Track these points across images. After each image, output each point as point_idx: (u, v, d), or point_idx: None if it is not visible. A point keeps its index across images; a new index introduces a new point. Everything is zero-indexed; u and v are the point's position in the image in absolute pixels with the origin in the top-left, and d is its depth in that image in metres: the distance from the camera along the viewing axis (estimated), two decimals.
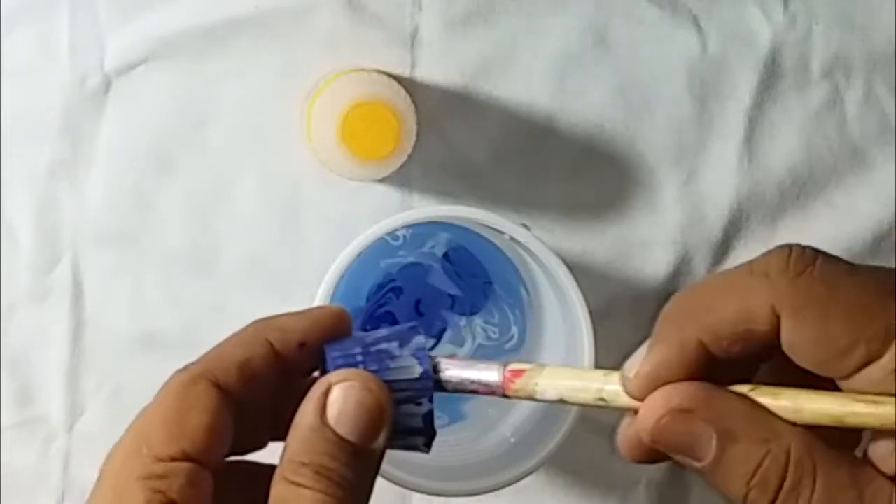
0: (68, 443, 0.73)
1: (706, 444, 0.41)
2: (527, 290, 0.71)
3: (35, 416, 0.73)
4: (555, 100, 0.73)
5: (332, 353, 0.46)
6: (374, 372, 0.45)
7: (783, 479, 0.40)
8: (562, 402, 0.45)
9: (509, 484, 0.64)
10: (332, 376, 0.44)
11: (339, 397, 0.43)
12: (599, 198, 0.74)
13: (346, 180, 0.69)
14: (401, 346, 0.46)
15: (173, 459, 0.42)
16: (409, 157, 0.66)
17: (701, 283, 0.44)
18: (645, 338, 0.43)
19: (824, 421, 0.41)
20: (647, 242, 0.74)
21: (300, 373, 0.46)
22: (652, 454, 0.43)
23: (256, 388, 0.44)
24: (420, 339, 0.46)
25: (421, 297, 0.71)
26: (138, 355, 0.73)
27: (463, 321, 0.71)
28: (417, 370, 0.45)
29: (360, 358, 0.45)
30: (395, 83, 0.68)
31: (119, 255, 0.73)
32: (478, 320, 0.71)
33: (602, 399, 0.44)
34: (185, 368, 0.44)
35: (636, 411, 0.43)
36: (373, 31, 0.71)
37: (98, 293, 0.73)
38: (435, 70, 0.72)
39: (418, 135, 0.67)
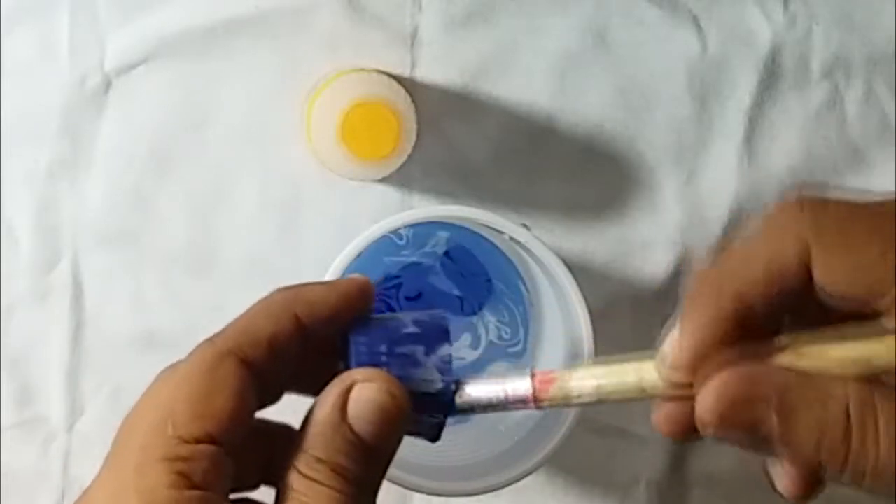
0: (68, 443, 0.74)
1: (770, 424, 0.41)
2: (527, 289, 0.71)
3: (35, 416, 0.73)
4: (555, 100, 0.73)
5: (358, 346, 0.45)
6: (395, 377, 0.44)
7: (848, 437, 0.40)
8: (600, 400, 0.44)
9: (509, 484, 0.64)
10: (357, 374, 0.44)
11: (361, 397, 0.43)
12: (599, 198, 0.74)
13: (346, 180, 0.69)
14: (427, 352, 0.45)
15: (198, 441, 0.41)
16: (409, 157, 0.67)
17: (722, 252, 0.43)
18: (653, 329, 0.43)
19: (873, 363, 0.40)
20: (647, 242, 0.74)
21: (320, 343, 0.46)
22: (696, 432, 0.43)
23: (281, 361, 0.44)
24: (447, 350, 0.45)
25: (424, 296, 0.71)
26: (138, 355, 0.73)
27: (474, 318, 0.71)
28: (439, 385, 0.45)
29: (384, 359, 0.45)
30: (395, 83, 0.68)
31: (119, 254, 0.73)
32: (491, 318, 0.71)
33: (643, 390, 0.43)
34: (212, 340, 0.44)
35: (678, 395, 0.42)
36: (373, 31, 0.71)
37: (98, 293, 0.73)
38: (435, 70, 0.72)
39: (418, 135, 0.67)
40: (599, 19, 0.72)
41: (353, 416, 0.43)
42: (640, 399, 0.44)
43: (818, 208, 0.41)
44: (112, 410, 0.73)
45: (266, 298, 0.46)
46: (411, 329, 0.46)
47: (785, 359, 0.42)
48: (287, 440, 0.44)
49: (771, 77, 0.73)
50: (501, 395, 0.45)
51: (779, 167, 0.74)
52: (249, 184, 0.72)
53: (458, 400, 0.46)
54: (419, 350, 0.45)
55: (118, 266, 0.73)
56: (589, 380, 0.44)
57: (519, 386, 0.45)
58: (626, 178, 0.74)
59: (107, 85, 0.72)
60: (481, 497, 0.65)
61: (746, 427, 0.41)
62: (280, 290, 0.46)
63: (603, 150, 0.73)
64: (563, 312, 0.67)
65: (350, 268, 0.63)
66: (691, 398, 0.42)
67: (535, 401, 0.45)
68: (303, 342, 0.45)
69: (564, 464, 0.74)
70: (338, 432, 0.43)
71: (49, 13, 0.71)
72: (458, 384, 0.46)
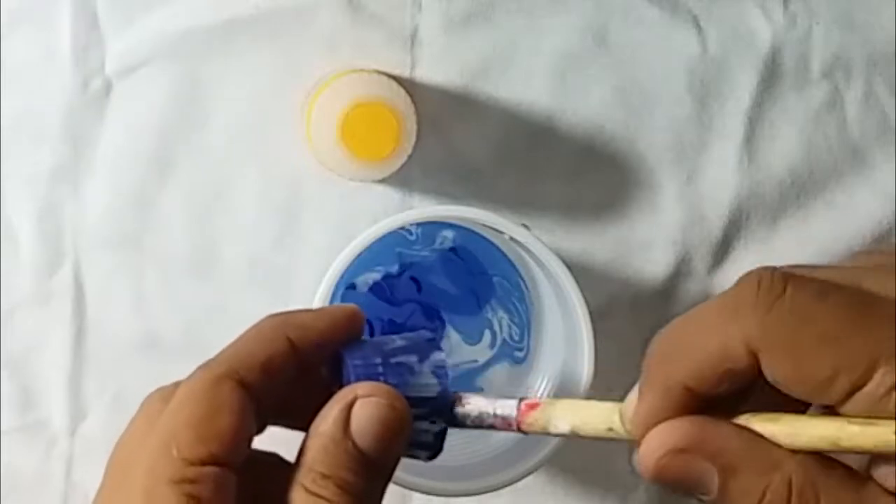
0: (70, 447, 0.73)
1: (709, 479, 0.41)
2: (527, 289, 0.71)
3: (37, 420, 0.73)
4: (555, 100, 0.72)
5: (353, 361, 0.46)
6: (393, 387, 0.45)
7: None
8: (574, 434, 0.46)
9: (509, 484, 0.64)
10: (359, 388, 0.44)
11: (363, 411, 0.44)
12: (599, 198, 0.74)
13: (346, 180, 0.69)
14: (420, 360, 0.46)
15: (203, 463, 0.42)
16: (409, 157, 0.67)
17: (677, 323, 0.43)
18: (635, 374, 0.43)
19: (822, 445, 0.40)
20: (647, 242, 0.74)
21: (313, 367, 0.47)
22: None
23: (277, 385, 0.45)
24: (439, 356, 0.46)
25: (433, 291, 0.71)
26: (140, 358, 0.73)
27: (490, 313, 0.71)
28: (436, 388, 0.46)
29: (380, 370, 0.45)
30: (394, 83, 0.68)
31: (121, 258, 0.72)
32: (504, 314, 0.71)
33: (611, 430, 0.45)
34: (209, 366, 0.45)
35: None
36: (372, 32, 0.71)
37: (100, 296, 0.73)
38: (435, 70, 0.72)
39: (418, 135, 0.67)
40: (599, 19, 0.72)
41: (356, 430, 0.43)
42: (610, 440, 0.46)
43: (773, 299, 0.40)
44: (114, 414, 0.73)
45: (258, 324, 0.47)
46: (400, 343, 0.47)
47: (739, 419, 0.42)
48: (277, 468, 0.45)
49: (771, 77, 0.73)
50: (490, 416, 0.47)
51: (779, 167, 0.74)
52: (249, 185, 0.72)
53: (462, 411, 0.46)
54: (412, 359, 0.46)
55: (120, 269, 0.73)
56: (566, 414, 0.46)
57: (506, 409, 0.47)
58: (626, 178, 0.73)
59: (108, 88, 0.72)
60: (481, 497, 0.65)
61: (684, 479, 0.41)
62: (271, 316, 0.47)
63: (603, 150, 0.73)
64: (563, 312, 0.67)
65: (360, 260, 0.63)
66: None
67: (519, 427, 0.47)
68: (297, 366, 0.45)
69: (564, 464, 0.74)
70: (341, 447, 0.43)
71: (50, 16, 0.71)
72: (458, 399, 0.47)
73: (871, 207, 0.74)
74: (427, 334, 0.48)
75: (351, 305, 0.48)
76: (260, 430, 0.47)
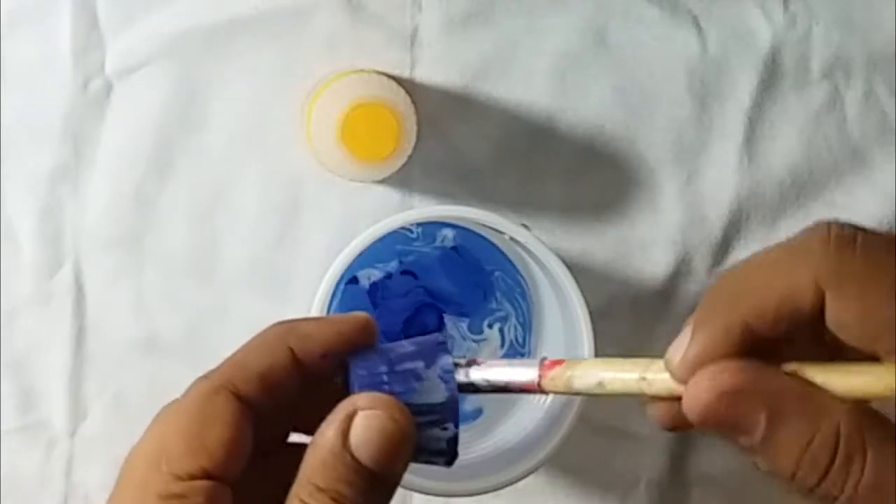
0: (70, 448, 0.73)
1: (754, 423, 0.40)
2: (528, 288, 0.71)
3: (37, 420, 0.73)
4: (555, 100, 0.73)
5: (357, 371, 0.45)
6: (399, 394, 0.44)
7: (832, 458, 0.40)
8: (601, 389, 0.44)
9: (509, 484, 0.64)
10: (358, 400, 0.43)
11: (363, 424, 0.43)
12: (599, 198, 0.74)
13: (346, 181, 0.69)
14: (427, 366, 0.45)
15: (192, 477, 0.42)
16: (409, 157, 0.67)
17: (743, 263, 0.43)
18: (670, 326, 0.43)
19: (876, 393, 0.40)
20: (647, 242, 0.74)
21: (321, 379, 0.46)
22: (687, 423, 0.42)
23: (277, 396, 0.45)
24: (447, 360, 0.45)
25: (431, 290, 0.71)
26: (140, 359, 0.73)
27: (502, 313, 0.71)
28: (444, 394, 0.45)
29: (385, 378, 0.45)
30: (394, 84, 0.68)
31: (121, 258, 0.73)
32: (511, 311, 0.71)
33: (646, 383, 0.43)
34: (207, 376, 0.44)
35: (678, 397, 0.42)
36: (372, 32, 0.71)
37: (100, 297, 0.73)
38: (435, 70, 0.72)
39: (418, 135, 0.67)
40: (599, 19, 0.72)
41: (354, 442, 0.42)
42: (639, 396, 0.44)
43: (844, 245, 0.40)
44: (114, 415, 0.73)
45: (262, 333, 0.46)
46: (409, 348, 0.46)
47: (788, 366, 0.41)
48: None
49: (771, 77, 0.73)
50: (508, 375, 0.46)
51: (779, 167, 0.74)
52: (249, 186, 0.72)
53: (465, 378, 0.46)
54: (419, 365, 0.45)
55: (120, 270, 0.73)
56: (593, 370, 0.44)
57: (526, 369, 0.46)
58: (626, 178, 0.74)
59: (108, 88, 0.72)
60: (481, 497, 0.64)
61: (731, 420, 0.41)
62: (275, 325, 0.46)
63: (603, 150, 0.73)
64: (563, 312, 0.67)
65: (361, 259, 0.63)
66: None
67: (539, 385, 0.45)
68: (301, 376, 0.45)
69: (565, 464, 0.74)
70: (339, 459, 0.42)
71: (50, 17, 0.71)
72: (469, 363, 0.46)
73: (871, 207, 0.74)
74: (439, 337, 0.47)
75: (362, 314, 0.47)
76: (269, 442, 0.46)
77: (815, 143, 0.74)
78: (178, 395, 0.45)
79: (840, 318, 0.40)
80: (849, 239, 0.41)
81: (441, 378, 0.45)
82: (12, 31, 0.71)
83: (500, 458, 0.66)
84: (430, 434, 0.45)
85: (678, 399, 0.42)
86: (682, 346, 0.42)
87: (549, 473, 0.74)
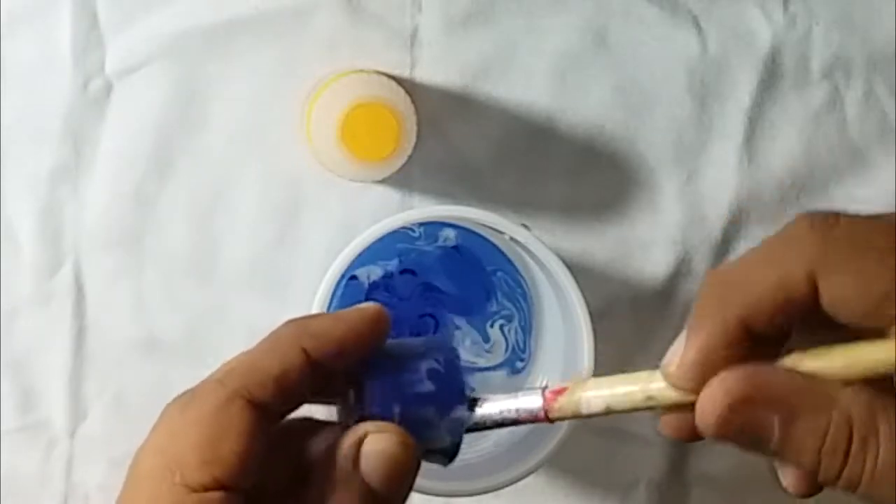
0: (71, 448, 0.73)
1: (770, 428, 0.40)
2: (528, 288, 0.71)
3: (37, 420, 0.73)
4: (555, 100, 0.73)
5: (373, 394, 0.45)
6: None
7: (850, 442, 0.40)
8: (609, 411, 0.44)
9: (509, 484, 0.64)
10: (370, 426, 0.44)
11: (373, 448, 0.43)
12: (599, 198, 0.74)
13: (346, 181, 0.69)
14: (441, 415, 0.45)
15: (206, 489, 0.42)
16: (409, 157, 0.67)
17: (732, 262, 0.43)
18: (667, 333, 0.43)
19: (879, 370, 0.40)
20: (647, 242, 0.74)
21: (333, 375, 0.46)
22: (699, 434, 0.42)
23: (291, 398, 0.44)
24: (462, 413, 0.45)
25: (433, 289, 0.71)
26: (140, 359, 0.73)
27: (495, 306, 0.71)
28: (447, 442, 0.46)
29: (398, 419, 0.44)
30: (394, 84, 0.68)
31: (121, 258, 0.72)
32: (517, 325, 0.71)
33: (651, 398, 0.43)
34: (222, 381, 0.44)
35: (690, 405, 0.42)
36: (372, 32, 0.71)
37: (100, 297, 0.73)
38: (435, 70, 0.72)
39: (418, 135, 0.67)
40: (599, 19, 0.72)
41: (365, 467, 0.43)
42: (649, 409, 0.44)
43: (828, 228, 0.41)
44: (114, 415, 0.73)
45: (273, 333, 0.46)
46: (427, 387, 0.45)
47: (788, 360, 0.41)
48: (311, 432, 0.45)
49: (771, 77, 0.73)
50: (514, 411, 0.46)
51: (779, 167, 0.74)
52: (249, 186, 0.72)
53: (471, 418, 0.46)
54: (431, 411, 0.45)
55: (120, 270, 0.73)
56: (597, 392, 0.44)
57: (530, 402, 0.45)
58: (626, 178, 0.74)
59: (108, 88, 0.72)
60: (481, 497, 0.64)
61: (747, 429, 0.41)
62: (287, 324, 0.46)
63: (603, 150, 0.73)
64: (563, 312, 0.67)
65: (362, 259, 0.63)
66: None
67: (547, 415, 0.45)
68: (313, 375, 0.45)
69: (564, 464, 0.74)
70: (350, 482, 0.43)
71: (50, 16, 0.71)
72: (473, 402, 0.46)
73: (871, 208, 0.73)
74: (454, 351, 0.47)
75: (374, 305, 0.47)
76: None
77: (815, 143, 0.74)
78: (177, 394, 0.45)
79: (836, 296, 0.40)
80: (832, 222, 0.41)
81: (449, 431, 0.45)
82: (12, 31, 0.71)
83: (500, 458, 0.66)
84: (427, 460, 0.45)
85: (687, 406, 0.42)
86: (677, 353, 0.42)
87: (549, 473, 0.74)
